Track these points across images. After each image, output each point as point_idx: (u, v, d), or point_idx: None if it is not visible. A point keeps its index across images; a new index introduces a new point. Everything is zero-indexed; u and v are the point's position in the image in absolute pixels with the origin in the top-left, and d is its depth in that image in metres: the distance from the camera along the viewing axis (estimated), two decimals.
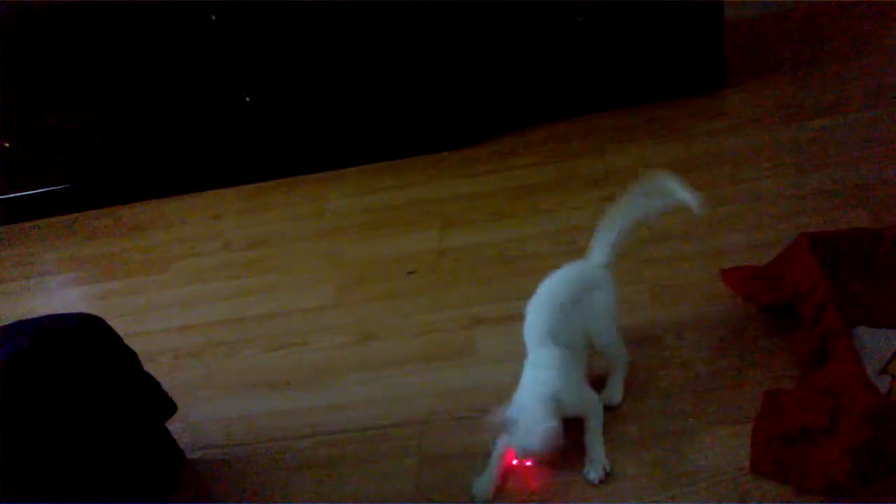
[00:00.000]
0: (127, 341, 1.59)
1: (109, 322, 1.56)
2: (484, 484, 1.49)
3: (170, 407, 1.66)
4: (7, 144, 2.64)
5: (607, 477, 1.45)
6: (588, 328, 1.56)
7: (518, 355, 1.77)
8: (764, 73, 2.52)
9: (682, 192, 1.55)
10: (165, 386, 1.67)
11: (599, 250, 1.62)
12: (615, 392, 1.58)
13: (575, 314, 1.54)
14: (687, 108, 2.46)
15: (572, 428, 1.48)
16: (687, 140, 2.33)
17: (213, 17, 2.32)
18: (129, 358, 1.57)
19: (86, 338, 1.45)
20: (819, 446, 1.36)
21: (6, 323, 1.46)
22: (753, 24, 2.79)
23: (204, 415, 1.87)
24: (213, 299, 2.26)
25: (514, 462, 1.50)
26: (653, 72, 2.47)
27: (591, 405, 1.52)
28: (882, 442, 1.29)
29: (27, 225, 2.87)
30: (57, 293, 2.52)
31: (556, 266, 1.99)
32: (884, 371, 1.45)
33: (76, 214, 2.85)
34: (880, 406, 1.27)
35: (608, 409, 1.57)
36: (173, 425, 1.72)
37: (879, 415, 1.26)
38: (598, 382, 1.61)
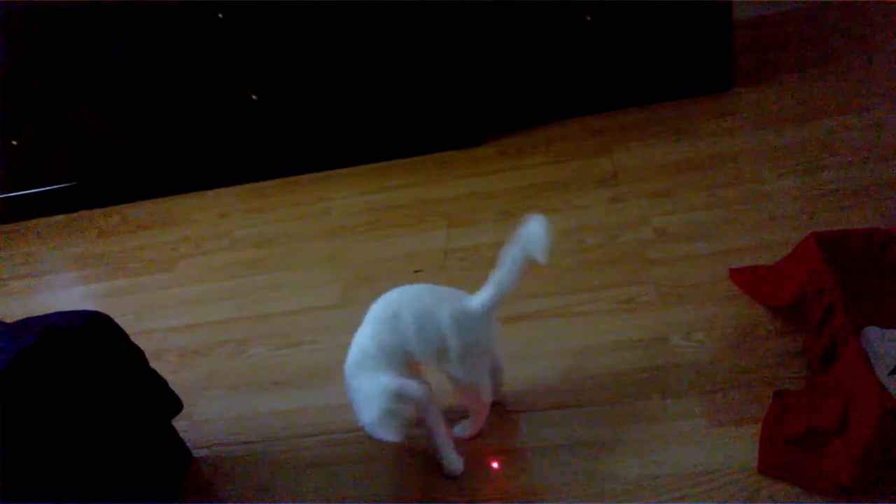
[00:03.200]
0: (133, 339, 1.59)
1: (116, 320, 1.56)
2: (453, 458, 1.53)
3: (176, 405, 1.66)
4: (14, 143, 2.64)
5: None
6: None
7: (524, 354, 1.77)
8: (772, 73, 2.51)
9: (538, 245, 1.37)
10: (171, 384, 1.67)
11: (483, 292, 1.44)
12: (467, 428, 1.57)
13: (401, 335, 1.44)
14: (695, 108, 2.46)
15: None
16: (694, 140, 2.32)
17: (220, 16, 2.32)
18: (136, 355, 1.57)
19: (93, 335, 1.45)
20: (828, 448, 1.35)
21: (13, 320, 1.46)
22: (762, 24, 2.78)
23: (210, 413, 1.87)
24: (219, 298, 2.27)
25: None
26: (661, 71, 2.47)
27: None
28: (891, 444, 1.28)
29: (34, 223, 2.88)
30: (64, 291, 2.52)
31: (563, 267, 2.00)
32: (894, 372, 1.44)
33: (83, 213, 2.86)
34: (890, 408, 1.26)
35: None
36: (179, 423, 1.72)
37: (889, 417, 1.25)
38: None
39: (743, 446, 1.44)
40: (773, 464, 1.38)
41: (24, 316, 1.49)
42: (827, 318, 1.48)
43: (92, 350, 1.43)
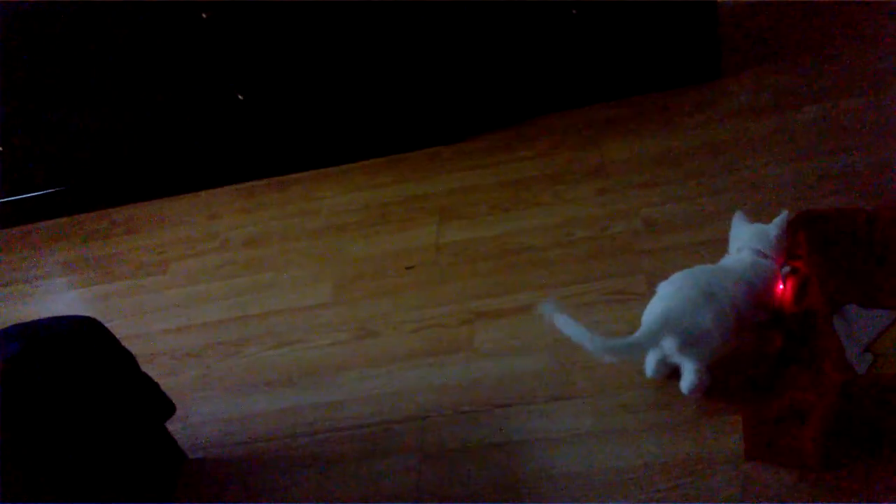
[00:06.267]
0: (126, 342, 1.59)
1: (108, 324, 1.56)
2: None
3: (168, 407, 1.66)
4: (1, 149, 2.63)
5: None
6: None
7: (517, 349, 1.78)
8: (760, 60, 2.51)
9: None
10: (165, 386, 1.67)
11: None
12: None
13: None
14: (682, 98, 2.45)
15: None
16: (683, 130, 2.32)
17: (205, 16, 2.31)
18: (127, 359, 1.56)
19: (82, 340, 1.45)
20: (808, 423, 1.36)
21: (3, 326, 1.45)
22: (748, 10, 2.77)
23: (204, 415, 1.86)
24: (211, 299, 2.26)
25: None
26: (648, 62, 2.47)
27: None
28: (852, 420, 1.30)
29: (23, 229, 2.86)
30: (55, 296, 2.51)
31: (553, 259, 2.00)
32: (868, 350, 1.45)
33: (72, 217, 2.84)
34: (848, 383, 1.26)
35: None
36: (173, 426, 1.72)
37: (847, 391, 1.26)
38: None
39: (735, 435, 1.44)
40: (759, 446, 1.39)
41: (16, 322, 1.49)
42: (803, 294, 1.49)
43: (81, 355, 1.42)
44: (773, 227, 1.59)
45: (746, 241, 1.61)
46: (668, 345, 1.48)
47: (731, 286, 1.51)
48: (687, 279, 1.54)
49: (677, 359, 1.50)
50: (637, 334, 1.47)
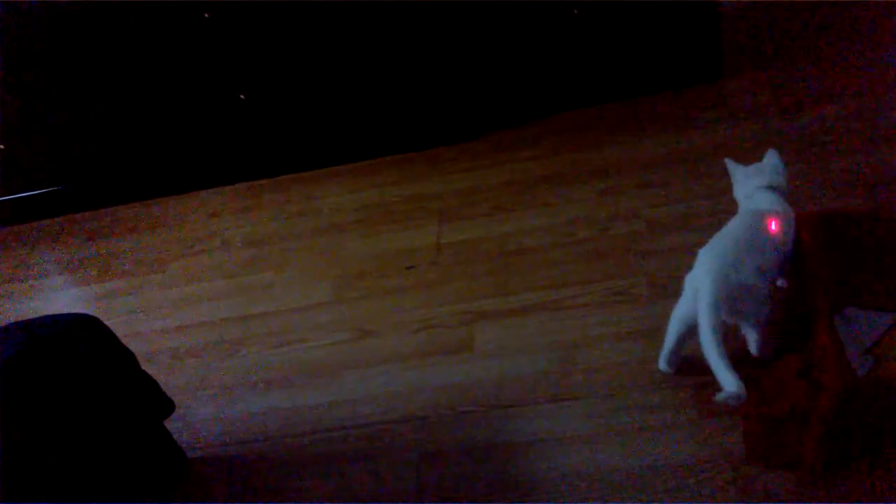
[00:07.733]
0: (126, 341, 1.58)
1: (108, 322, 1.56)
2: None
3: (168, 406, 1.65)
4: (1, 147, 2.63)
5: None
6: None
7: (517, 349, 1.78)
8: (763, 61, 2.51)
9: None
10: (165, 386, 1.66)
11: None
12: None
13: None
14: (685, 99, 2.45)
15: None
16: (685, 131, 2.32)
17: (207, 16, 2.31)
18: (126, 357, 1.56)
19: (81, 338, 1.44)
20: (807, 426, 1.35)
21: (3, 324, 1.45)
22: (749, 11, 2.77)
23: (204, 414, 1.86)
24: (211, 298, 2.26)
25: None
26: (650, 63, 2.46)
27: None
28: (852, 422, 1.29)
29: (24, 227, 2.86)
30: (55, 295, 2.51)
31: (555, 260, 2.00)
32: (868, 352, 1.45)
33: (72, 216, 2.84)
34: (849, 385, 1.26)
35: None
36: (173, 425, 1.72)
37: (848, 394, 1.26)
38: None
39: (735, 436, 1.44)
40: (760, 447, 1.38)
41: (14, 320, 1.48)
42: (804, 295, 1.49)
43: (80, 353, 1.42)
44: (778, 161, 1.61)
45: (765, 180, 1.58)
46: (724, 311, 1.43)
47: (767, 226, 1.50)
48: (720, 243, 1.52)
49: (736, 322, 1.48)
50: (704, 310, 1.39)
